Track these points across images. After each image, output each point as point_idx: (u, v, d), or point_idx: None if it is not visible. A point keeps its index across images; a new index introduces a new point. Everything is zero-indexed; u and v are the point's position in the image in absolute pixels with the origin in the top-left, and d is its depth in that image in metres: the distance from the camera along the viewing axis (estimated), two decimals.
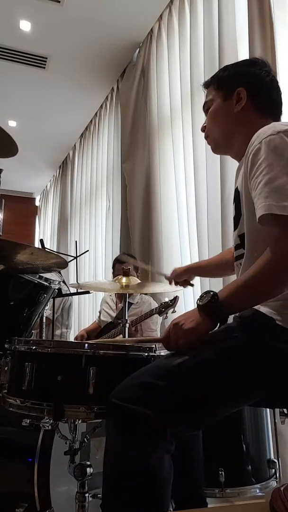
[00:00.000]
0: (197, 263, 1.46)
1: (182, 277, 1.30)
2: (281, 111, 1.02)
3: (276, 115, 1.00)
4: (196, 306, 0.85)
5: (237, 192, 0.97)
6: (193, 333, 0.82)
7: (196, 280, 2.09)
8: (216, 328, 0.84)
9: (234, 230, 1.00)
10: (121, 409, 0.80)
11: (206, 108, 1.06)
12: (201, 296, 0.84)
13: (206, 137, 1.07)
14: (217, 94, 1.02)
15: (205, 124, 1.07)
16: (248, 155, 0.86)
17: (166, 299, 1.79)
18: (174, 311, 1.75)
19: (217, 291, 0.83)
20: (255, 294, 0.81)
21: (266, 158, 0.81)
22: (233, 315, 0.92)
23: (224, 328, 0.88)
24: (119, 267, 2.38)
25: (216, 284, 1.95)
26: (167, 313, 1.77)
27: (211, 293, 0.82)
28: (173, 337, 0.85)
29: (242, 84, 0.98)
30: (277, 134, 0.82)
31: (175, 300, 1.74)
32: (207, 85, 1.07)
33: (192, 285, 1.34)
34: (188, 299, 2.27)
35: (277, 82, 1.02)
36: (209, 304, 0.81)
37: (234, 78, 1.01)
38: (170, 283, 1.33)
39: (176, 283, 1.32)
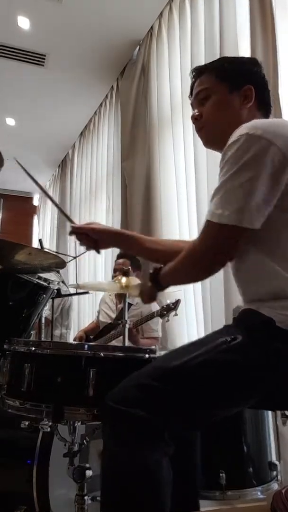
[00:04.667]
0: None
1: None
2: (270, 112, 1.03)
3: (267, 116, 1.01)
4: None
5: None
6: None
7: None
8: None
9: None
10: (118, 412, 0.79)
11: (201, 96, 0.99)
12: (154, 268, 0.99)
13: (199, 128, 1.01)
14: (220, 85, 0.97)
15: (198, 113, 0.99)
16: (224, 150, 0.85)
17: (168, 302, 1.77)
18: (176, 314, 1.73)
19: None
20: (179, 279, 0.99)
21: (227, 161, 0.82)
22: (232, 317, 0.92)
23: (223, 329, 0.89)
24: (118, 262, 2.39)
25: (217, 286, 1.94)
26: (168, 316, 1.75)
27: (153, 270, 0.99)
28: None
29: (251, 83, 0.97)
30: (246, 134, 0.80)
31: (177, 303, 1.72)
32: (200, 71, 1.01)
33: (98, 252, 1.09)
34: (189, 302, 2.26)
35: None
36: (152, 276, 0.99)
37: (242, 74, 0.98)
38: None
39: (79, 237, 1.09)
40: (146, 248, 1.07)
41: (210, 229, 0.83)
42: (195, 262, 0.88)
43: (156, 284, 0.99)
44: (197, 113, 0.99)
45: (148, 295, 1.04)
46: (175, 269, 0.93)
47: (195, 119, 1.00)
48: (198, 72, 1.02)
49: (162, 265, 0.98)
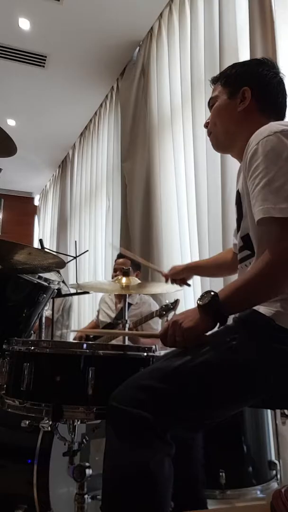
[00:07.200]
0: (196, 262, 1.44)
1: (180, 275, 1.28)
2: (285, 114, 1.02)
3: (280, 117, 0.99)
4: (196, 306, 0.84)
5: (238, 194, 0.97)
6: (191, 332, 0.82)
7: (197, 280, 2.08)
8: (216, 328, 0.83)
9: (237, 232, 0.99)
10: (121, 412, 0.80)
11: (211, 104, 1.05)
12: (201, 296, 0.84)
13: (209, 134, 1.07)
14: (223, 91, 1.02)
15: (208, 120, 1.06)
16: (246, 157, 0.86)
17: (167, 301, 1.77)
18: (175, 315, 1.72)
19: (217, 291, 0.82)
20: (255, 295, 0.81)
21: (263, 160, 0.80)
22: (232, 316, 0.92)
23: (223, 329, 0.88)
24: (118, 262, 2.39)
25: (217, 284, 1.94)
26: (167, 316, 1.75)
27: (212, 293, 0.82)
28: (171, 334, 0.85)
29: (248, 84, 0.98)
30: (274, 134, 0.81)
31: (176, 303, 1.72)
32: (214, 80, 1.06)
33: (188, 285, 1.31)
34: (188, 301, 2.26)
35: (284, 84, 1.01)
36: (209, 304, 0.81)
37: (241, 76, 1.00)
38: (167, 280, 1.31)
39: (173, 281, 1.30)
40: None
41: (284, 225, 0.75)
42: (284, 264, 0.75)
43: (215, 315, 0.80)
44: (207, 120, 1.06)
45: (198, 335, 0.82)
46: (253, 282, 0.78)
47: (205, 126, 1.07)
48: (213, 81, 1.07)
49: (212, 291, 0.81)
